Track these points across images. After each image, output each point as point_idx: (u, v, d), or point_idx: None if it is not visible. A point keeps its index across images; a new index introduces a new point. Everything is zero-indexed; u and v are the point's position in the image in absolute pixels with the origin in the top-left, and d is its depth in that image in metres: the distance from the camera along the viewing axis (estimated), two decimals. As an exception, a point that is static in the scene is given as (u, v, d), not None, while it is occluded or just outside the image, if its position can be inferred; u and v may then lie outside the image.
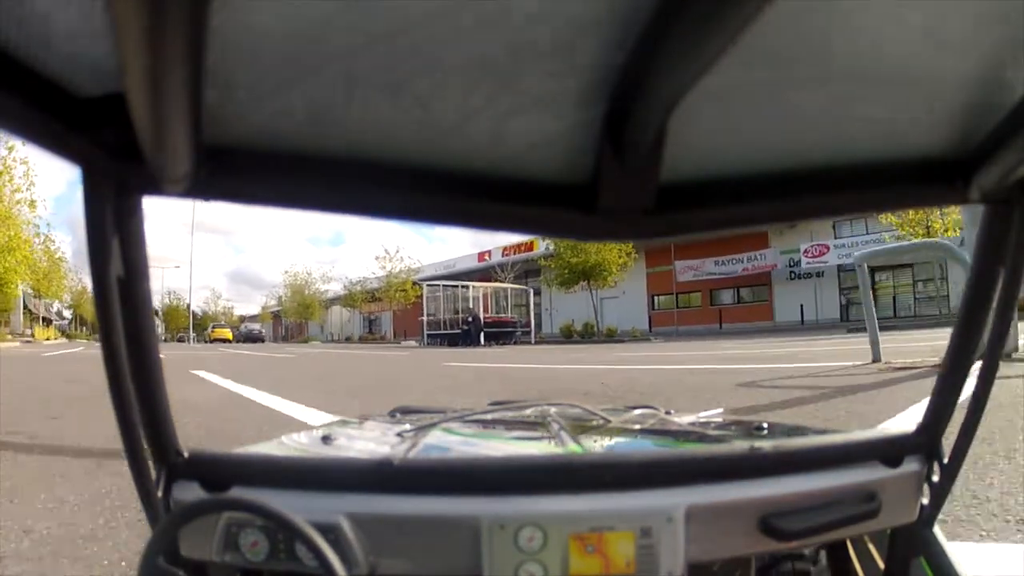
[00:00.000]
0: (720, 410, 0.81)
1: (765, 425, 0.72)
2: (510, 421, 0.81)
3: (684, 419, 0.82)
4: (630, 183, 0.44)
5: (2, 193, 19.48)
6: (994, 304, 0.49)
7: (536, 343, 21.66)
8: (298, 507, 0.44)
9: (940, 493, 0.54)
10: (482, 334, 20.08)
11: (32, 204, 20.42)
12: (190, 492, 0.48)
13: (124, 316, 0.41)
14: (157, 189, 0.39)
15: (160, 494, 0.47)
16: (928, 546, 0.55)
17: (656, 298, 27.45)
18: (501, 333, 21.55)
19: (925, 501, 0.54)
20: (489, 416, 0.82)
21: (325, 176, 0.42)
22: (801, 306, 21.27)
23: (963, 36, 0.36)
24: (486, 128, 0.42)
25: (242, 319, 58.30)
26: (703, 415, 0.88)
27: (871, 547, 0.63)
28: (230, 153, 0.40)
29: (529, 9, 0.32)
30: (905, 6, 0.34)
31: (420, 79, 0.37)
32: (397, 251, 44.12)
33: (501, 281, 27.10)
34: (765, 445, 0.51)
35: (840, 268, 19.77)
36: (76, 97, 0.35)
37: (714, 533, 0.47)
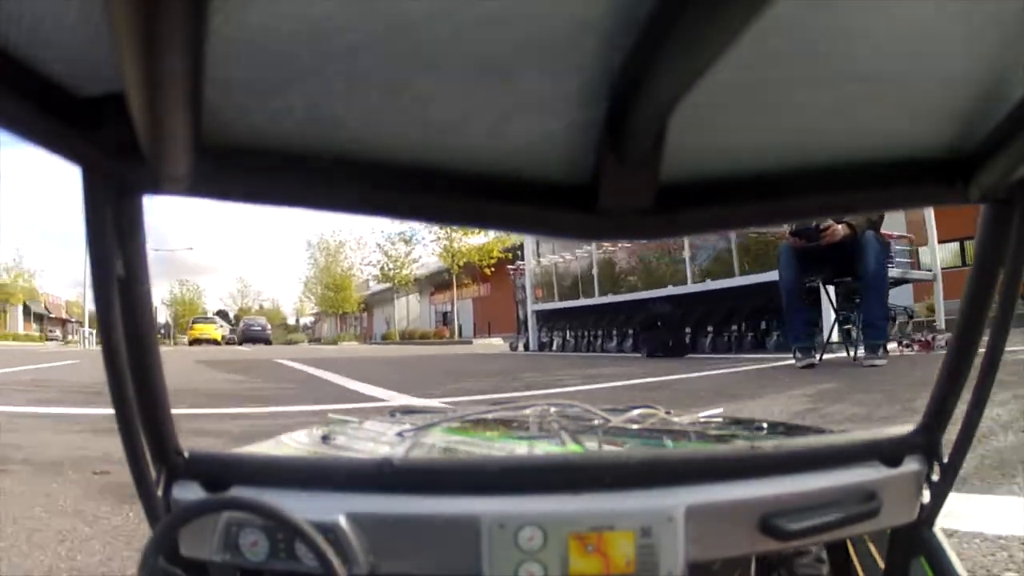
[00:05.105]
0: (720, 410, 0.81)
1: (765, 425, 0.73)
2: (510, 421, 0.81)
3: (684, 419, 0.82)
4: (630, 183, 0.44)
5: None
6: (994, 304, 0.50)
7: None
8: (298, 507, 0.44)
9: (940, 493, 0.54)
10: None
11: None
12: (190, 492, 0.48)
13: (124, 316, 0.41)
14: (157, 189, 0.39)
15: (160, 494, 0.47)
16: (928, 546, 0.55)
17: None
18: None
19: (925, 501, 0.54)
20: (489, 416, 0.82)
21: (325, 175, 0.42)
22: None
23: (963, 36, 0.36)
24: (486, 128, 0.42)
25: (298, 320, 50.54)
26: (703, 415, 0.88)
27: (871, 547, 0.63)
28: (230, 152, 0.40)
29: (529, 9, 0.32)
30: (905, 6, 0.34)
31: (420, 79, 0.37)
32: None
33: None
34: (765, 445, 0.51)
35: None
36: (76, 97, 0.35)
37: (714, 533, 0.47)
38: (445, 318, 29.20)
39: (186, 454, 0.48)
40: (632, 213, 0.46)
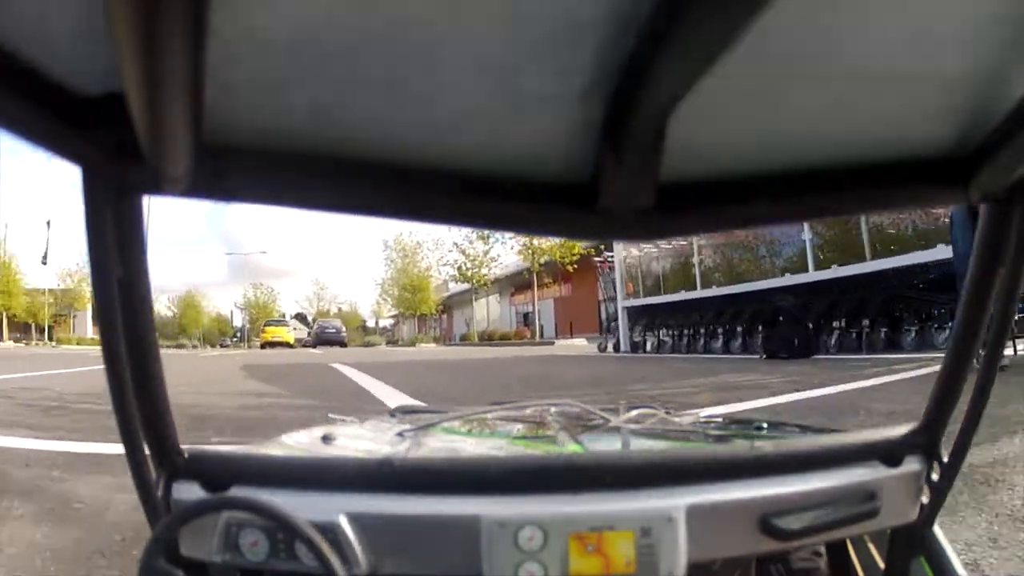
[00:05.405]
0: (720, 410, 0.81)
1: (765, 425, 0.73)
2: (510, 421, 0.81)
3: (684, 419, 0.82)
4: (630, 183, 0.44)
5: None
6: (994, 304, 0.50)
7: None
8: (298, 507, 0.44)
9: (940, 493, 0.54)
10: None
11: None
12: (190, 492, 0.48)
13: (124, 316, 0.41)
14: (157, 189, 0.39)
15: (160, 494, 0.47)
16: (928, 546, 0.55)
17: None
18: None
19: (925, 501, 0.54)
20: (489, 416, 0.82)
21: (325, 175, 0.42)
22: None
23: (963, 36, 0.36)
24: (486, 128, 0.42)
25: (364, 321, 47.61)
26: (703, 415, 0.88)
27: (871, 547, 0.63)
28: (230, 153, 0.40)
29: (529, 9, 0.32)
30: (905, 6, 0.34)
31: (420, 79, 0.37)
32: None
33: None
34: (765, 445, 0.51)
35: None
36: (76, 97, 0.35)
37: (714, 533, 0.47)
38: (526, 319, 27.72)
39: (186, 454, 0.48)
40: (632, 213, 0.46)
